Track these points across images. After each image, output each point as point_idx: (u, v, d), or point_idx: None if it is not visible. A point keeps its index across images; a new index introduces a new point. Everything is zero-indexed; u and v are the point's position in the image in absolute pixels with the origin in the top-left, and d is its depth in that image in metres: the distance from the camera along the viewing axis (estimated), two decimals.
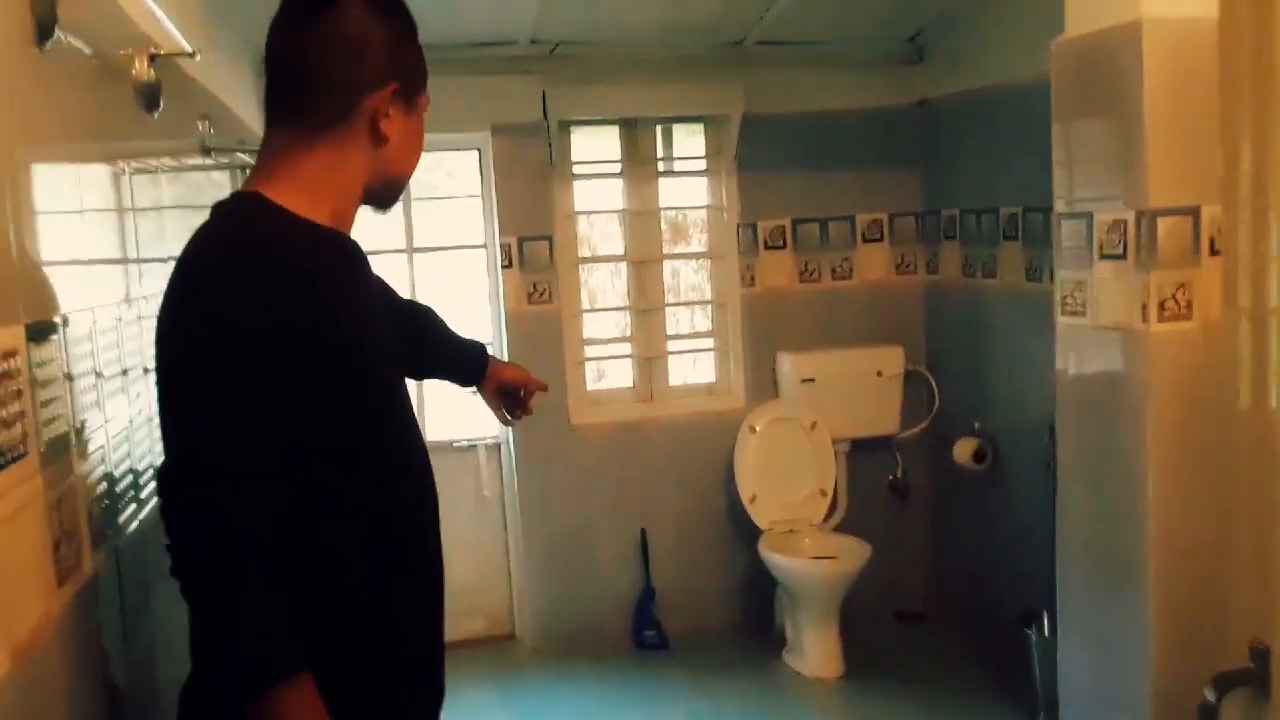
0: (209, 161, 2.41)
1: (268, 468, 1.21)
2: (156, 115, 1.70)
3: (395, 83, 1.34)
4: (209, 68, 2.40)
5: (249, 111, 3.02)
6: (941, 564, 4.23)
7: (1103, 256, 2.42)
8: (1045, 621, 3.28)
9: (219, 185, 2.62)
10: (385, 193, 1.44)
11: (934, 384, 4.10)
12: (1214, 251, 2.30)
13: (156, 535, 1.27)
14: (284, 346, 1.22)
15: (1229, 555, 1.16)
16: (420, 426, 1.52)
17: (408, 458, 1.43)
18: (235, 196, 1.38)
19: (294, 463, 1.24)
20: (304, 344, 1.23)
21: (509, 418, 1.93)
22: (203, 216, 1.35)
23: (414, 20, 1.41)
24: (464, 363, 1.87)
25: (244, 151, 2.45)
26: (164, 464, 1.24)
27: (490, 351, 1.92)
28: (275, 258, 1.25)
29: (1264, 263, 1.01)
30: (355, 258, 1.44)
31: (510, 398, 1.90)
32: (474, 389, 1.91)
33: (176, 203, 2.28)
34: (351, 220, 1.42)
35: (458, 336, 1.87)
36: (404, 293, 3.85)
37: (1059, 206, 2.56)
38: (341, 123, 1.34)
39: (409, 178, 1.46)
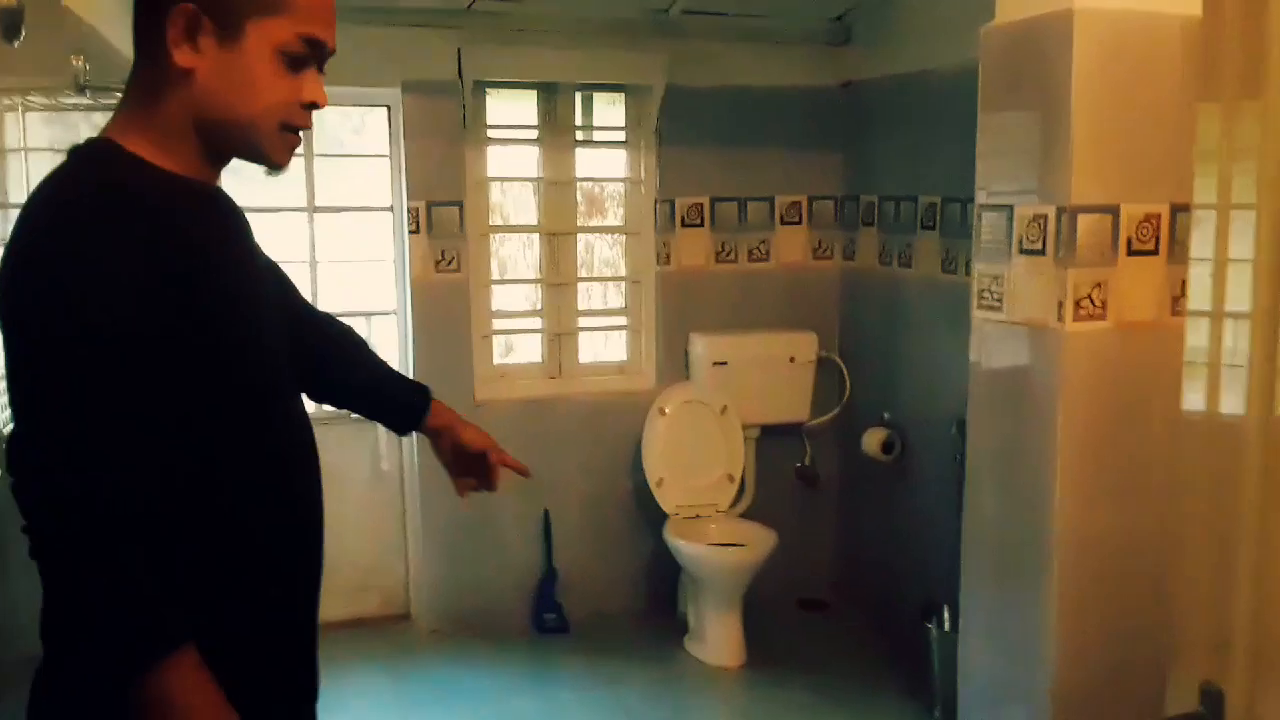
0: (85, 102, 2.21)
1: (134, 429, 1.10)
2: (17, 44, 1.52)
3: (190, 3, 1.15)
4: None
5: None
6: (846, 554, 4.21)
7: (1022, 251, 2.37)
8: (946, 615, 3.27)
9: (98, 127, 2.42)
10: (228, 145, 1.24)
11: (845, 372, 4.06)
12: (1131, 252, 2.27)
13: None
14: (148, 296, 1.11)
15: (1176, 565, 1.10)
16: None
17: (284, 426, 1.33)
18: (88, 141, 1.23)
19: (160, 424, 1.12)
20: (171, 294, 1.12)
21: (464, 489, 1.65)
22: None
23: None
24: (392, 399, 1.60)
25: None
26: (14, 431, 1.12)
27: (435, 395, 1.64)
28: (135, 198, 1.13)
29: (1224, 265, 0.95)
30: (224, 207, 1.31)
31: (469, 464, 1.62)
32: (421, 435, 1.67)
33: (49, 145, 2.09)
34: (209, 171, 1.27)
35: (390, 370, 1.63)
36: (305, 256, 3.65)
37: (980, 198, 2.51)
38: (153, 53, 1.19)
39: (250, 123, 1.22)
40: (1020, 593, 2.44)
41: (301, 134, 1.28)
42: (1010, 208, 2.40)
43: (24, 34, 1.50)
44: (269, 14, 1.18)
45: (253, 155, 1.26)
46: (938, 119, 3.52)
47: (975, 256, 2.54)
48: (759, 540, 3.57)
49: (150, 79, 1.20)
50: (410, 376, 1.79)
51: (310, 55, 1.23)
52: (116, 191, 1.14)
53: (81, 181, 1.16)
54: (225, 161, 1.29)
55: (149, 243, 1.12)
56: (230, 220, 1.32)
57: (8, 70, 1.67)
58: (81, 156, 1.20)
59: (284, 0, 1.19)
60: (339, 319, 1.60)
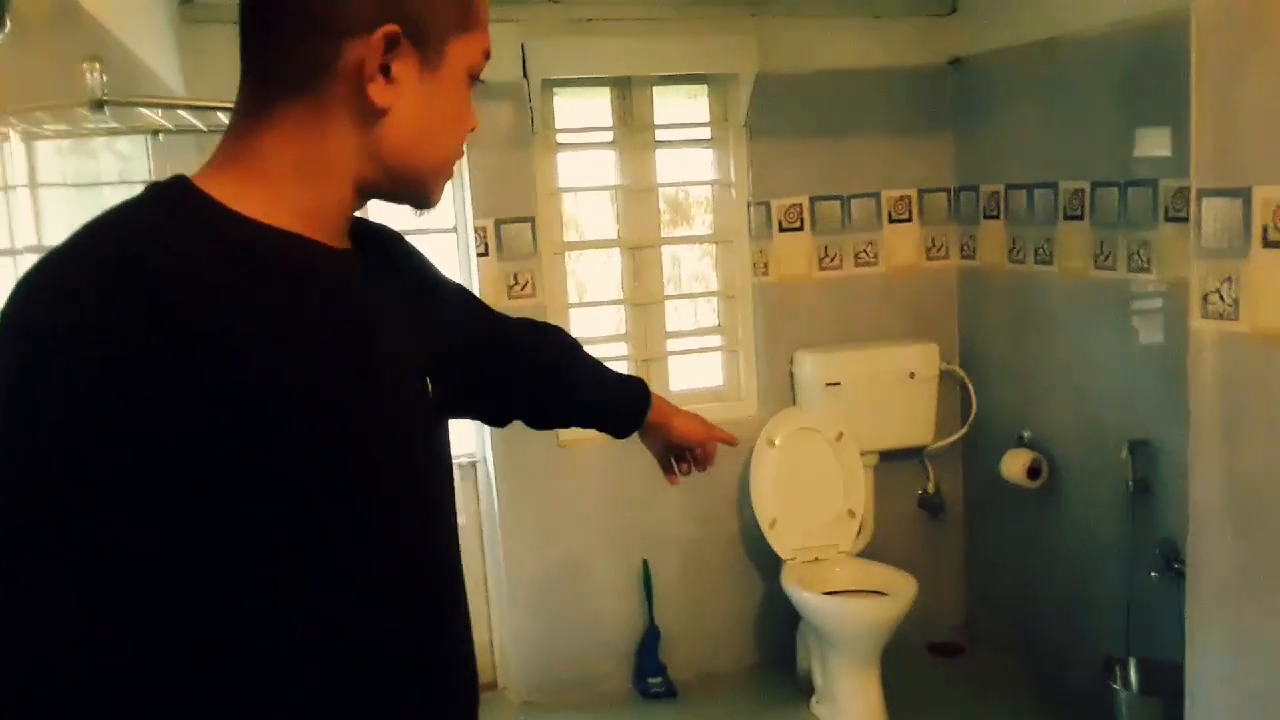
0: (104, 123, 1.79)
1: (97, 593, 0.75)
2: (1, 38, 1.10)
3: (393, 24, 0.86)
4: None
5: (165, 62, 2.39)
6: (980, 591, 3.74)
7: (1267, 244, 1.90)
8: (1133, 673, 2.79)
9: (126, 157, 2.00)
10: (396, 188, 0.95)
11: (971, 387, 3.58)
12: None
13: None
14: (127, 414, 0.74)
15: None
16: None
17: (392, 576, 0.94)
18: (155, 184, 0.88)
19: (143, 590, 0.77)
20: (164, 410, 0.76)
21: (674, 473, 1.54)
22: (99, 197, 0.95)
23: None
24: (614, 409, 1.47)
25: (152, 107, 1.83)
26: None
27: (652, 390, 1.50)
28: (129, 278, 0.76)
29: None
30: (307, 279, 0.89)
31: (679, 451, 1.52)
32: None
33: (58, 179, 1.66)
34: (337, 223, 0.92)
35: (606, 372, 1.46)
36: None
37: (1200, 180, 2.03)
38: (312, 84, 0.88)
39: (440, 167, 0.96)
40: (1270, 667, 1.96)
41: None
42: (1247, 191, 1.92)
43: (8, 25, 1.07)
44: (468, 30, 0.92)
45: (420, 200, 0.98)
46: (1076, 92, 3.05)
47: (1194, 252, 2.06)
48: (898, 587, 3.10)
49: (299, 110, 0.88)
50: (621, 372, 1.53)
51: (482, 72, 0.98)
52: (106, 265, 0.78)
53: (76, 243, 0.80)
54: (364, 205, 0.97)
55: (135, 341, 0.75)
56: (311, 292, 0.90)
57: None
58: (127, 204, 0.86)
59: (476, 12, 0.94)
60: (543, 326, 1.45)
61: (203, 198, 0.85)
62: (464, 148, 0.99)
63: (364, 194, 0.93)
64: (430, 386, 1.02)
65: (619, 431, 1.49)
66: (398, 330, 0.98)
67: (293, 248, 0.88)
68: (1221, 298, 1.99)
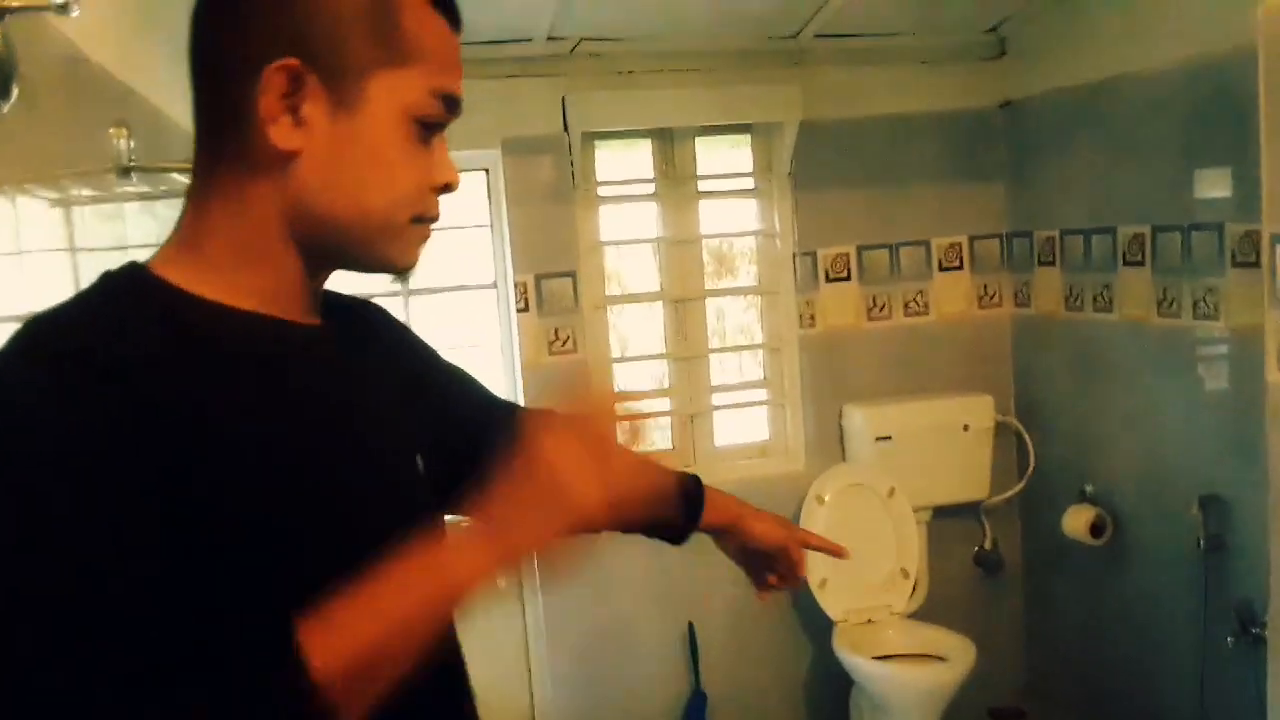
0: (134, 189, 1.76)
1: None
2: (6, 108, 1.05)
3: (292, 57, 0.78)
4: (125, 45, 1.75)
5: None
6: (1042, 653, 3.57)
7: None
8: None
9: (165, 220, 1.97)
10: (341, 250, 0.85)
11: (1028, 439, 3.45)
12: None
13: None
14: (107, 513, 0.68)
15: None
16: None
17: None
18: (108, 273, 0.83)
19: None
20: (142, 506, 0.69)
21: (764, 585, 1.36)
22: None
23: None
24: (663, 508, 1.25)
25: (183, 171, 1.80)
26: None
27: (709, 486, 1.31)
28: (89, 374, 0.70)
29: None
30: (273, 361, 0.83)
31: (766, 559, 1.33)
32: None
33: (100, 243, 1.63)
34: (301, 297, 0.85)
35: (656, 468, 1.20)
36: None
37: (1272, 224, 1.92)
38: (230, 141, 0.81)
39: (382, 223, 0.84)
40: None
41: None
42: None
43: (14, 94, 1.03)
44: (396, 65, 0.82)
45: (375, 263, 0.87)
46: (1132, 134, 2.94)
47: (1269, 303, 1.95)
48: (957, 651, 2.96)
49: (221, 172, 0.81)
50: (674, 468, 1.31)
51: (444, 118, 0.87)
52: (48, 361, 0.72)
53: (20, 337, 0.74)
54: (328, 275, 0.88)
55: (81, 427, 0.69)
56: (273, 371, 0.83)
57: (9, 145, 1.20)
58: (80, 294, 0.80)
59: (413, 45, 0.82)
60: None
61: (157, 284, 0.79)
62: (438, 206, 0.89)
63: (317, 259, 0.85)
64: (422, 465, 0.95)
65: (670, 536, 1.30)
66: (379, 406, 0.92)
67: (255, 329, 0.81)
68: None
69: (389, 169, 0.83)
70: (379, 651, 0.74)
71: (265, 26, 0.78)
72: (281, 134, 0.78)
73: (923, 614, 3.30)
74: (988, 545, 3.56)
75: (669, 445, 3.41)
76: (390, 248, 0.86)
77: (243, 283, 0.82)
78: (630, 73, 3.17)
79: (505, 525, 0.80)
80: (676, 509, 1.27)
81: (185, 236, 0.83)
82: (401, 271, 0.87)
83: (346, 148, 0.80)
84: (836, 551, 1.35)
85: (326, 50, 0.78)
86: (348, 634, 0.73)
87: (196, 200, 0.83)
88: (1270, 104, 1.88)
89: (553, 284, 3.18)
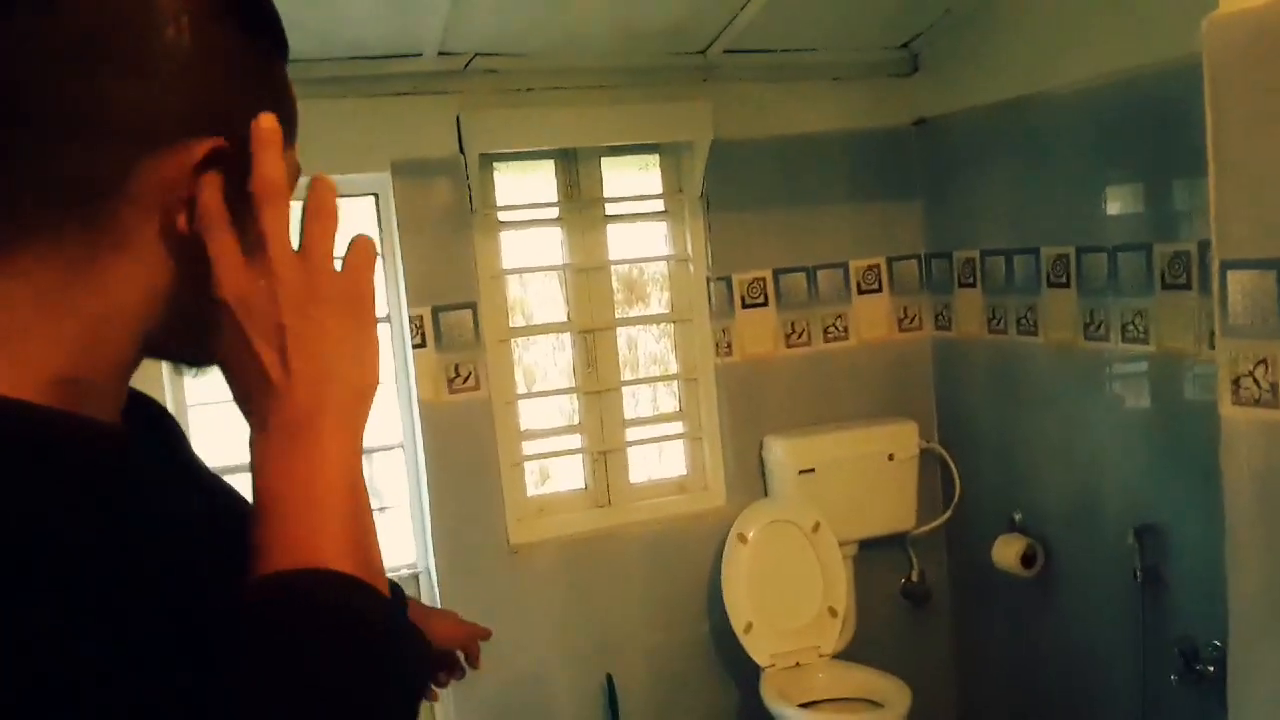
0: None
1: None
2: None
3: (219, 137, 0.64)
4: None
5: None
6: (971, 685, 3.45)
7: None
8: None
9: None
10: (182, 341, 0.71)
11: (954, 467, 3.34)
12: None
13: None
14: None
15: None
16: None
17: None
18: None
19: None
20: None
21: (437, 686, 1.30)
22: None
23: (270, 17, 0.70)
24: None
25: None
26: None
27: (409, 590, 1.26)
28: None
29: None
30: (103, 466, 0.64)
31: (437, 658, 1.28)
32: None
33: None
34: (113, 394, 0.69)
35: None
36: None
37: (1224, 251, 1.81)
38: (82, 210, 0.62)
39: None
40: None
41: None
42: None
43: None
44: (288, 139, 0.71)
45: (211, 354, 0.71)
46: (1054, 151, 2.85)
47: (1221, 332, 1.83)
48: (891, 695, 2.81)
49: (56, 255, 0.62)
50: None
51: None
52: None
53: None
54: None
55: None
56: (114, 481, 0.64)
57: None
58: None
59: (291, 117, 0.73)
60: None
61: None
62: None
63: (149, 351, 0.69)
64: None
65: None
66: (189, 522, 0.71)
67: (58, 428, 0.61)
68: (1256, 383, 1.76)
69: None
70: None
71: (190, 86, 0.64)
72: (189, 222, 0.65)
73: (851, 652, 3.15)
74: (915, 577, 3.43)
75: (582, 484, 3.20)
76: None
77: (33, 369, 0.61)
78: (530, 90, 2.97)
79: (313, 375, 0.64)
80: None
81: None
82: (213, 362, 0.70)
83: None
84: (484, 635, 1.33)
85: (238, 131, 0.66)
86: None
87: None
88: (1217, 124, 1.76)
89: (451, 316, 2.95)
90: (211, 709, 0.53)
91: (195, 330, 0.69)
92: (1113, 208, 2.72)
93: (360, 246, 0.68)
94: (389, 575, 1.18)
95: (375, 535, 0.66)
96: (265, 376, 0.63)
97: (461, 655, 1.31)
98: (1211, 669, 2.39)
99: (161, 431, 0.78)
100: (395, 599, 1.16)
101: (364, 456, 2.28)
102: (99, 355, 0.64)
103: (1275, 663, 1.80)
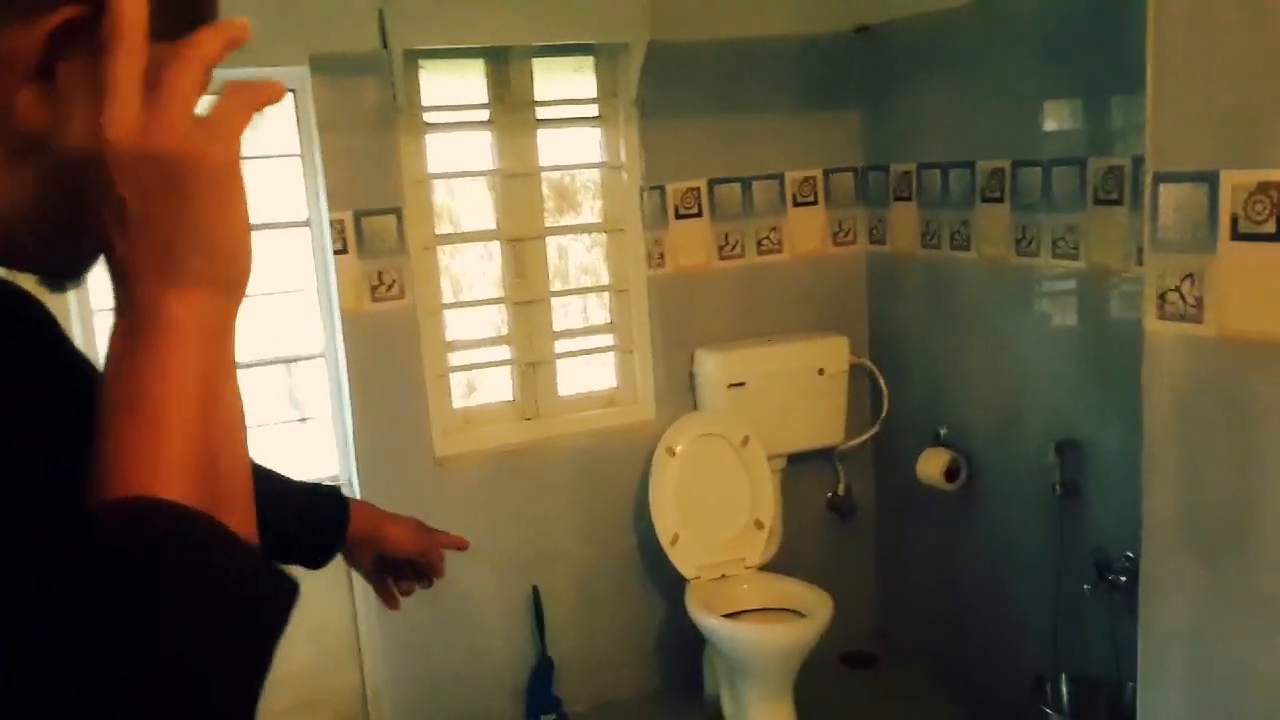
0: None
1: None
2: None
3: (78, 4, 0.56)
4: None
5: None
6: (894, 597, 3.52)
7: (1238, 236, 1.66)
8: (1065, 692, 2.59)
9: None
10: (43, 249, 0.62)
11: (882, 382, 3.34)
12: None
13: None
14: None
15: None
16: None
17: None
18: None
19: None
20: None
21: (395, 594, 1.26)
22: None
23: None
24: (305, 531, 1.11)
25: None
26: None
27: (347, 491, 1.26)
28: None
29: None
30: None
31: (397, 565, 1.24)
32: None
33: None
34: None
35: (288, 484, 1.10)
36: None
37: (1157, 163, 1.78)
38: None
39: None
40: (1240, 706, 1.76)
41: None
42: (1214, 176, 1.68)
43: None
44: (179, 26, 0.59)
45: (73, 266, 0.65)
46: (993, 62, 2.81)
47: (1150, 244, 1.81)
48: (814, 605, 2.84)
49: None
50: (306, 479, 1.17)
51: None
52: None
53: None
54: None
55: None
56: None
57: None
58: None
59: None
60: None
61: None
62: None
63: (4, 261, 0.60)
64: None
65: (311, 561, 1.13)
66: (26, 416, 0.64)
67: None
68: (1182, 297, 1.75)
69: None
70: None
71: None
72: (32, 106, 0.57)
73: (777, 563, 3.17)
74: (841, 491, 3.46)
75: (509, 397, 3.15)
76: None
77: None
78: None
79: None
80: (315, 521, 1.14)
81: None
82: (78, 280, 0.64)
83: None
84: (460, 545, 1.28)
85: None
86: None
87: None
88: (1158, 32, 1.72)
89: (374, 222, 2.85)
90: (17, 646, 0.47)
91: (59, 241, 0.61)
92: (1050, 122, 2.70)
93: (237, 91, 0.57)
94: (329, 482, 1.15)
95: (236, 456, 0.58)
96: (111, 258, 0.56)
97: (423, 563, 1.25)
98: (1123, 579, 2.45)
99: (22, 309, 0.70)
100: (335, 506, 1.16)
101: (285, 366, 2.18)
102: None
103: (1184, 573, 1.83)
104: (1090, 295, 2.63)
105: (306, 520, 1.12)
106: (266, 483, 1.04)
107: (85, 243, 0.59)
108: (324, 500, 1.17)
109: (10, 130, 0.56)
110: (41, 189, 0.58)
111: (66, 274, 0.64)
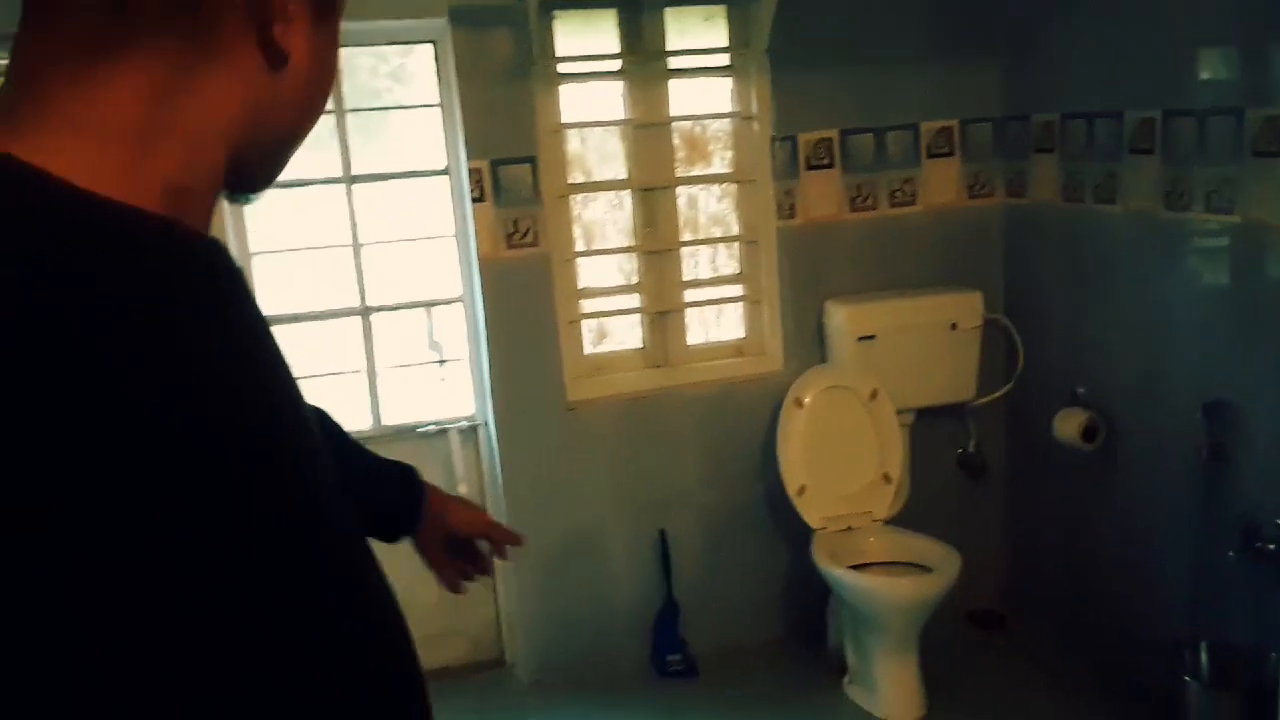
0: None
1: None
2: None
3: None
4: None
5: None
6: (1023, 557, 3.46)
7: None
8: (1204, 661, 2.52)
9: None
10: (261, 162, 0.69)
11: (1018, 338, 3.27)
12: None
13: None
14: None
15: None
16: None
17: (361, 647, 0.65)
18: None
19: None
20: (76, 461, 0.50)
21: (458, 581, 1.26)
22: None
23: None
24: (385, 502, 1.18)
25: None
26: None
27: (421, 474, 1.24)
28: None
29: None
30: (227, 276, 0.64)
31: (462, 549, 1.25)
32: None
33: None
34: (207, 207, 0.65)
35: (370, 456, 1.18)
36: (345, 238, 2.92)
37: None
38: (192, 18, 0.60)
39: (300, 140, 0.71)
40: None
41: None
42: None
43: None
44: None
45: (268, 181, 0.72)
46: (1145, 6, 2.68)
47: None
48: (942, 561, 2.82)
49: (162, 61, 0.59)
50: (383, 455, 1.22)
51: None
52: None
53: None
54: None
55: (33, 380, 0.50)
56: (237, 291, 0.65)
57: None
58: None
59: None
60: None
61: (35, 172, 0.55)
62: None
63: (220, 180, 0.65)
64: None
65: (390, 533, 1.18)
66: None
67: (187, 239, 0.61)
68: None
69: (330, 85, 0.71)
70: None
71: None
72: (290, 37, 0.64)
73: (904, 519, 3.16)
74: (972, 447, 3.41)
75: (639, 344, 3.20)
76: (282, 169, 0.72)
77: (152, 177, 0.59)
78: None
79: None
80: (392, 497, 1.20)
81: (53, 113, 0.58)
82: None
83: (320, 62, 0.68)
84: (516, 540, 1.27)
85: None
86: None
87: (90, 72, 0.58)
88: None
89: (511, 170, 2.92)
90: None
91: (270, 160, 0.69)
92: (1204, 70, 2.57)
93: None
94: (399, 461, 1.20)
95: None
96: None
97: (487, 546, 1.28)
98: (1272, 547, 2.36)
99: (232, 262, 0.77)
100: (415, 482, 1.21)
101: (425, 310, 2.32)
102: (200, 168, 0.62)
103: None
104: (1245, 252, 2.51)
105: (385, 496, 1.18)
106: (358, 457, 1.13)
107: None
108: (405, 476, 1.22)
109: (270, 40, 0.62)
110: (274, 108, 0.65)
111: (259, 189, 0.71)
